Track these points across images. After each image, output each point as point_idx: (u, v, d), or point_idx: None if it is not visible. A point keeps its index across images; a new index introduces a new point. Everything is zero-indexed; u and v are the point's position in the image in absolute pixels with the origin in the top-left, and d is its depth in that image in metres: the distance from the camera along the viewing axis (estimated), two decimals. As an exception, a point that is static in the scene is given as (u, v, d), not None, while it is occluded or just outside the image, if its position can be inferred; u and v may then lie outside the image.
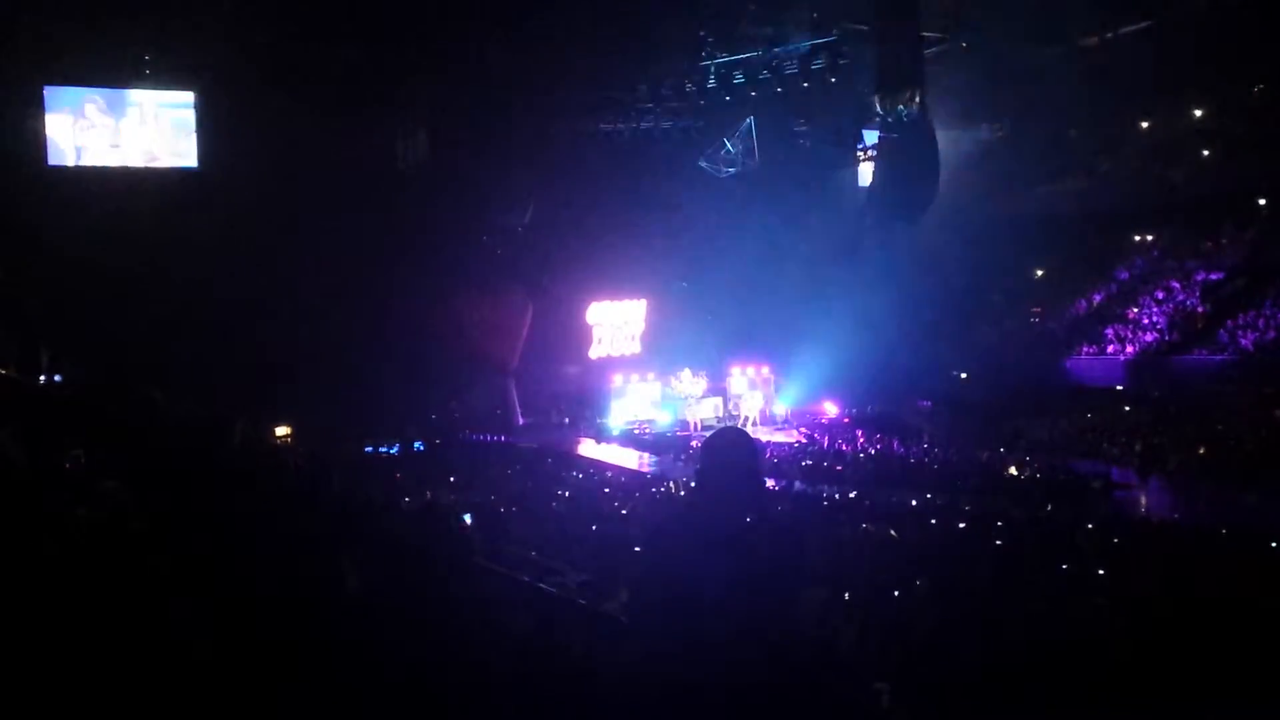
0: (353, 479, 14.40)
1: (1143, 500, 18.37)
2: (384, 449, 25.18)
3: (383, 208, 24.79)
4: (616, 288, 32.37)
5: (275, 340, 22.89)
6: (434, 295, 26.13)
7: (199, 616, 2.86)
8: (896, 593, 8.79)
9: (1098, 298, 33.67)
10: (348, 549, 3.84)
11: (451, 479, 19.09)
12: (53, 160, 22.19)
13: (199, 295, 21.87)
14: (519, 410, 30.01)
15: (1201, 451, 20.72)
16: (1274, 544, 11.41)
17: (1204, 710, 5.54)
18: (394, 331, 25.45)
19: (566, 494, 17.84)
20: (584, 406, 30.66)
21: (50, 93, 22.31)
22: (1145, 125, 34.29)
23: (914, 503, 16.71)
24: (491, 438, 27.72)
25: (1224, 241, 32.05)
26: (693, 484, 3.43)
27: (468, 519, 10.21)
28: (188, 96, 23.55)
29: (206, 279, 21.88)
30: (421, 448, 25.85)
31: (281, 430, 22.24)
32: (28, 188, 20.83)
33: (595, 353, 32.44)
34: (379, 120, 24.99)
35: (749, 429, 27.56)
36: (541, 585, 4.90)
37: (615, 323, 32.91)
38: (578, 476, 21.20)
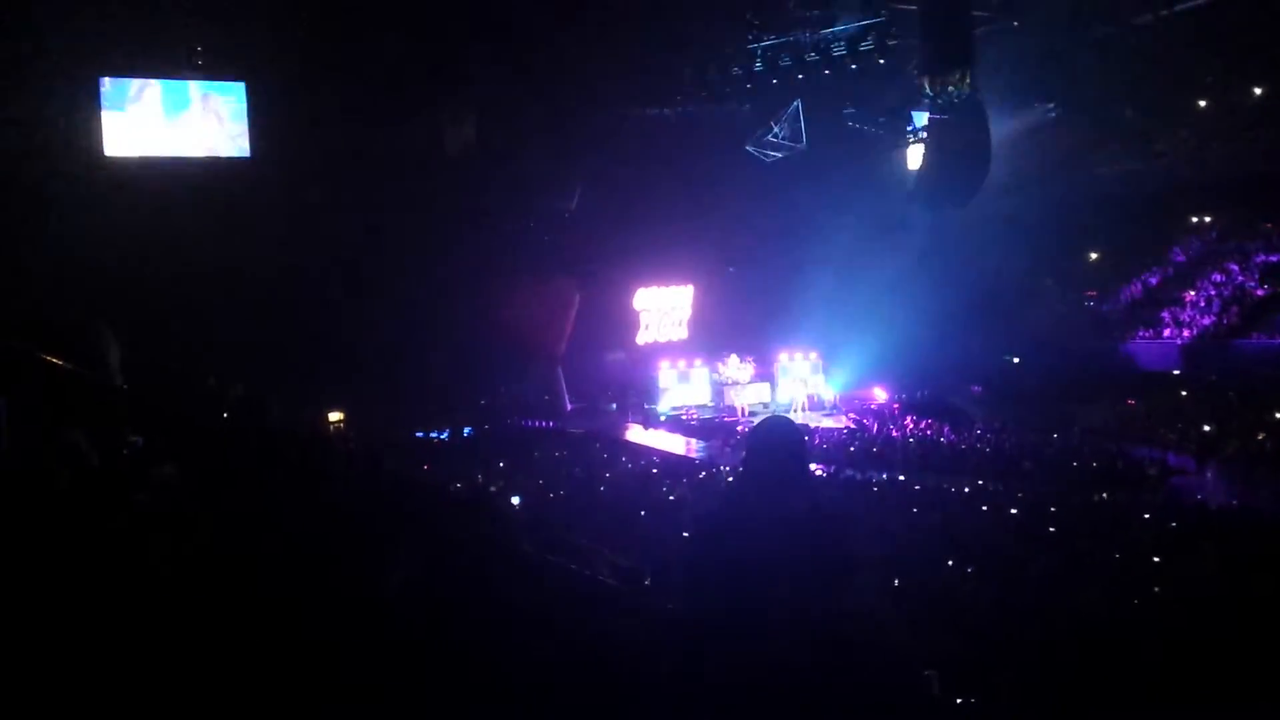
0: (404, 464, 14.57)
1: (1200, 487, 17.98)
2: (435, 434, 25.42)
3: (431, 195, 24.92)
4: (663, 273, 32.34)
5: (328, 328, 23.18)
6: (483, 282, 26.27)
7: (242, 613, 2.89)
8: (947, 580, 8.71)
9: (1153, 280, 33.01)
10: (395, 539, 3.87)
11: (501, 464, 19.21)
12: (110, 151, 22.57)
13: (254, 284, 22.17)
14: (567, 396, 30.13)
15: (1260, 438, 20.22)
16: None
17: (1263, 711, 5.42)
18: (444, 318, 25.62)
19: (615, 479, 17.86)
20: (632, 392, 30.72)
21: (107, 83, 22.69)
22: (1203, 104, 33.38)
23: (965, 489, 16.54)
24: (540, 423, 27.86)
25: (1284, 222, 31.24)
26: (740, 470, 3.41)
27: (516, 502, 10.27)
28: (239, 86, 23.84)
29: (262, 268, 22.18)
30: (471, 433, 26.06)
31: (335, 416, 22.55)
32: (86, 178, 21.21)
33: (643, 338, 32.47)
34: (428, 107, 25.11)
35: (796, 415, 27.50)
36: (589, 573, 4.92)
37: (662, 308, 32.91)
38: (625, 462, 21.23)
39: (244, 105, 23.84)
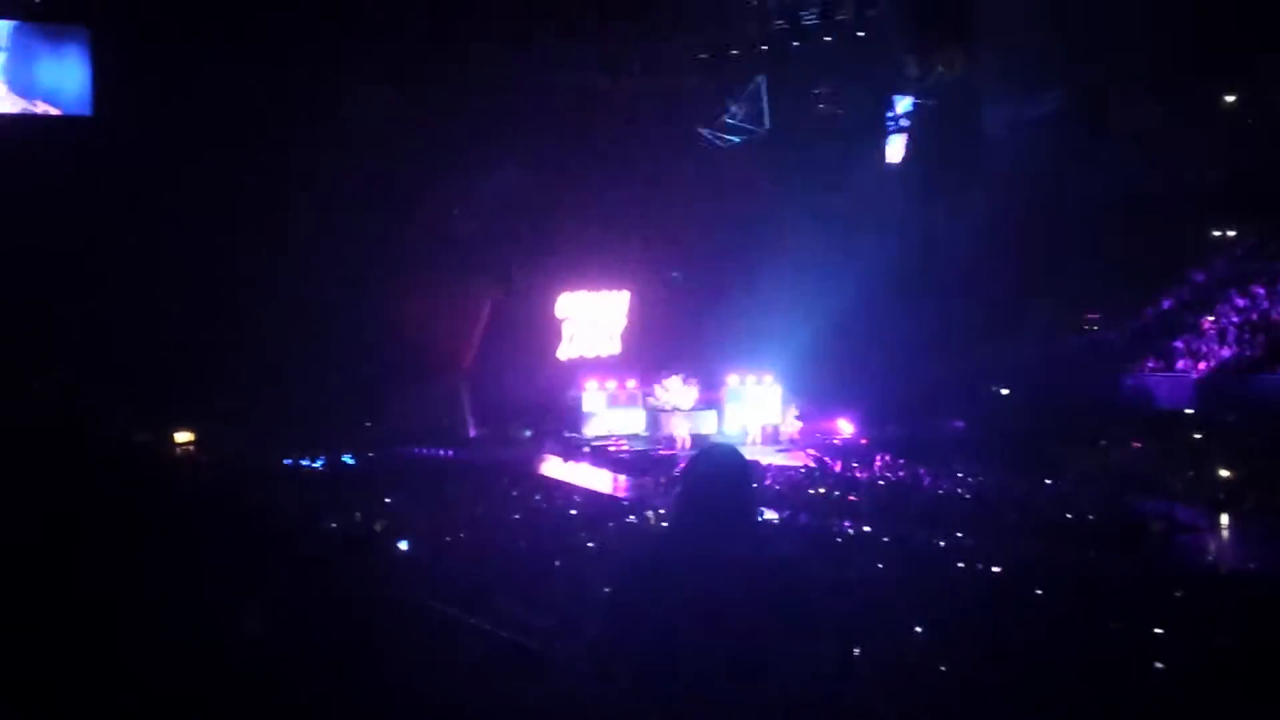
0: (268, 496, 14.38)
1: (1212, 546, 18.50)
2: (307, 462, 25.05)
3: (321, 176, 24.67)
4: (593, 276, 32.33)
5: (182, 330, 22.79)
6: (374, 281, 26.03)
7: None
8: (916, 651, 8.84)
9: (1166, 304, 33.88)
10: (253, 583, 3.83)
11: (387, 500, 19.01)
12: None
13: (91, 273, 21.73)
14: (472, 420, 29.91)
15: (1285, 490, 20.88)
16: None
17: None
18: (325, 324, 25.33)
19: (526, 522, 17.79)
20: (550, 417, 30.58)
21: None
22: (1231, 99, 34.39)
23: (941, 543, 16.80)
24: (438, 452, 27.62)
25: (1318, 241, 32.32)
26: (674, 512, 3.43)
27: (404, 547, 10.20)
28: (82, 31, 23.40)
29: (102, 254, 21.76)
30: (353, 462, 25.74)
31: (183, 437, 22.12)
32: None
33: (565, 353, 32.38)
34: (324, 68, 24.86)
35: (748, 449, 27.66)
36: (494, 629, 4.91)
37: (591, 318, 32.85)
38: (540, 501, 21.15)
39: (87, 55, 23.40)
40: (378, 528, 13.93)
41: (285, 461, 24.54)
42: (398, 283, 26.52)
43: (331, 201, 25.31)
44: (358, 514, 15.97)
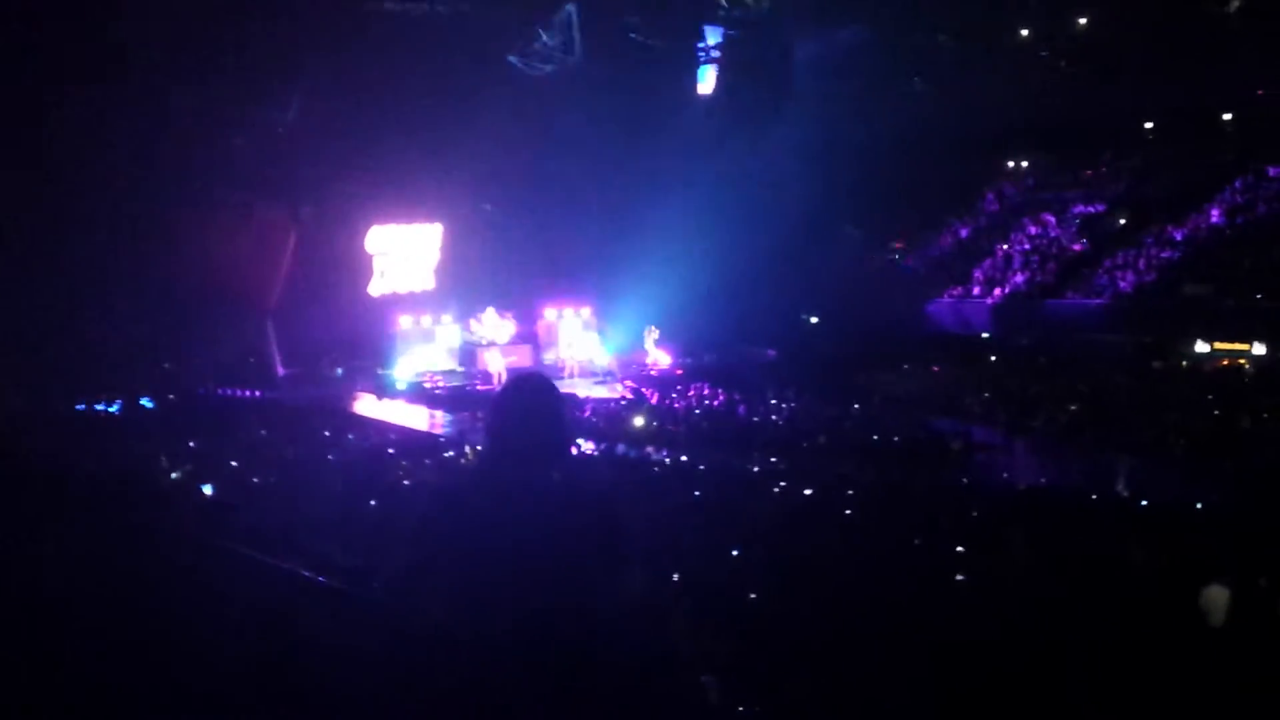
0: (57, 444, 13.67)
1: (1007, 463, 19.54)
2: (103, 407, 23.97)
3: (94, 100, 23.22)
4: (404, 208, 31.69)
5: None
6: (168, 214, 24.85)
7: None
8: (731, 573, 9.03)
9: (964, 232, 35.34)
10: (37, 535, 3.62)
11: (191, 443, 18.36)
12: None
13: None
14: (279, 359, 29.13)
15: (1073, 408, 22.17)
16: (1153, 512, 12.42)
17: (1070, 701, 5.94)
18: (117, 260, 24.11)
19: (339, 461, 17.47)
20: (362, 354, 30.03)
21: None
22: (1025, 34, 35.77)
23: (755, 468, 17.24)
24: (243, 392, 26.85)
25: (1104, 170, 34.09)
26: (484, 444, 3.37)
27: (208, 490, 9.86)
28: None
29: None
30: (152, 405, 24.75)
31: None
32: None
33: (376, 288, 31.78)
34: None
35: (565, 382, 27.76)
36: (299, 570, 4.76)
37: (403, 251, 32.29)
38: (352, 440, 20.80)
39: None
40: (179, 473, 13.42)
41: (78, 407, 23.46)
42: (197, 219, 25.38)
43: (110, 132, 23.92)
44: (162, 458, 15.39)
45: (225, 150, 27.29)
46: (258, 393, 26.95)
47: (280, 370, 28.95)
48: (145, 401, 24.75)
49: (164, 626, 3.36)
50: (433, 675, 2.78)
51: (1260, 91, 30.29)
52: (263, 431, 21.12)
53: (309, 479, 14.91)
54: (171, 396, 25.34)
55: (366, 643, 3.30)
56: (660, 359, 31.76)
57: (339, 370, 29.70)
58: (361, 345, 30.36)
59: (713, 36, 31.93)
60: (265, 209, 27.83)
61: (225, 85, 25.40)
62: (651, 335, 31.72)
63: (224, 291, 26.66)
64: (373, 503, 12.45)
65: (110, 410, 23.86)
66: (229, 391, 26.85)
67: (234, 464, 16.10)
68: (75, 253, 23.51)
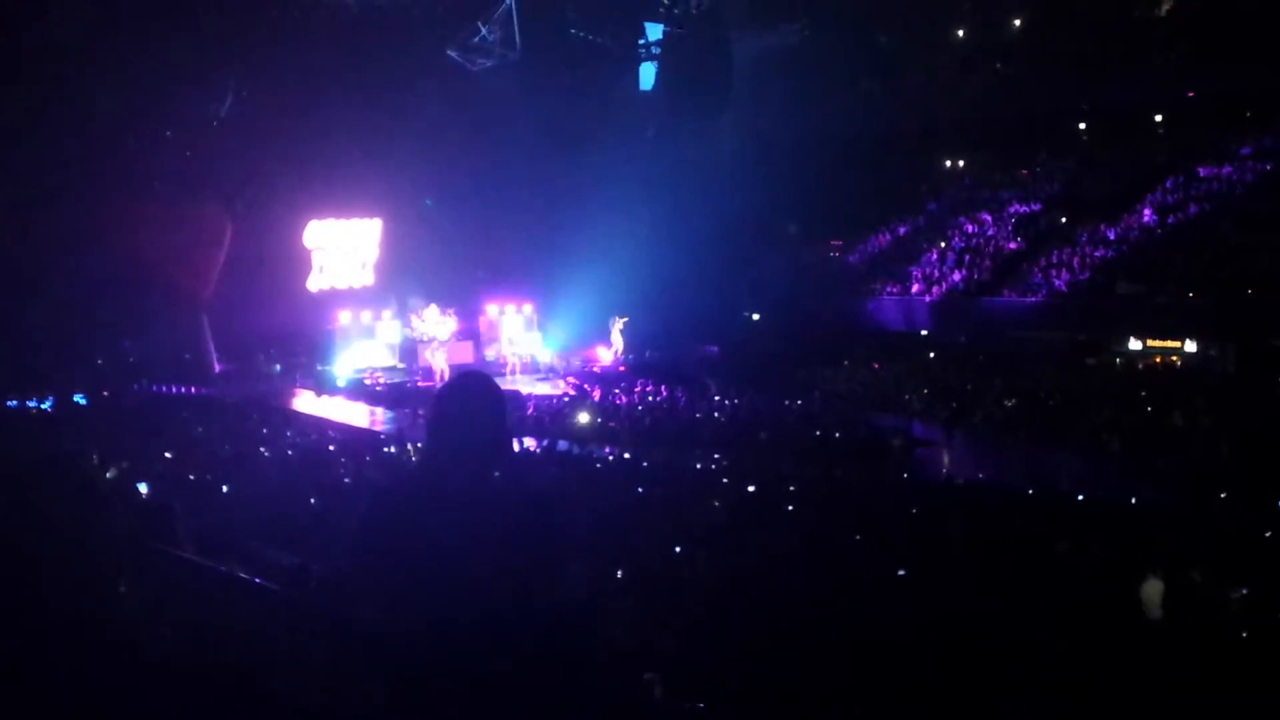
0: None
1: (946, 458, 19.76)
2: (33, 403, 23.53)
3: (21, 95, 22.80)
4: (343, 202, 31.38)
5: None
6: (102, 208, 24.42)
7: None
8: (674, 569, 9.04)
9: (903, 230, 35.67)
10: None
11: (125, 441, 18.06)
12: None
13: None
14: (215, 354, 28.75)
15: (1009, 404, 22.48)
16: (1088, 507, 12.63)
17: (1008, 694, 6.02)
18: (48, 254, 23.68)
19: (277, 459, 17.29)
20: (300, 351, 29.71)
21: None
22: (961, 33, 36.24)
23: (697, 465, 17.28)
24: (179, 389, 26.49)
25: (1039, 170, 34.63)
26: (425, 442, 3.34)
27: (143, 489, 9.69)
28: None
29: None
30: (84, 402, 24.34)
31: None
32: None
33: (315, 284, 31.46)
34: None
35: (508, 380, 27.66)
36: (237, 571, 4.69)
37: (341, 246, 31.99)
38: (291, 437, 20.60)
39: None
40: (112, 471, 13.17)
41: (9, 403, 23.05)
42: (131, 213, 24.94)
43: (38, 127, 23.51)
44: (94, 455, 15.11)
45: (156, 143, 26.89)
46: (193, 389, 26.63)
47: (216, 366, 28.61)
48: (78, 398, 24.37)
49: (98, 628, 3.29)
50: (370, 677, 2.75)
51: (1191, 93, 30.87)
52: (199, 429, 20.87)
53: (246, 477, 14.73)
54: (105, 393, 24.97)
55: (304, 646, 3.25)
56: (619, 346, 31.73)
57: (277, 366, 29.40)
58: (300, 341, 30.05)
59: (654, 33, 31.99)
60: (199, 203, 27.41)
61: (156, 77, 25.00)
62: (618, 324, 31.62)
63: (158, 286, 26.30)
64: (312, 501, 12.33)
65: (42, 407, 23.47)
66: (164, 388, 26.50)
67: (169, 459, 15.91)
68: (4, 248, 23.08)
